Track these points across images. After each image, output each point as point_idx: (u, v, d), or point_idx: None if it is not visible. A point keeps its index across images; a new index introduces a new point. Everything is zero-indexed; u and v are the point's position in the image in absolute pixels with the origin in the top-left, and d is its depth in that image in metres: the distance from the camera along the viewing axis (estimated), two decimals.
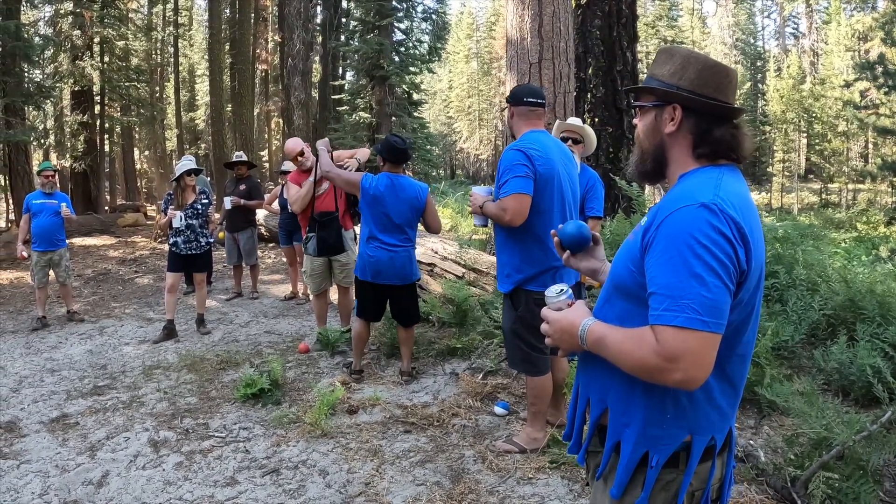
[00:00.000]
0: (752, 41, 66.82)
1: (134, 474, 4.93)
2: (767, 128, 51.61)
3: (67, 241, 10.09)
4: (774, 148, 49.77)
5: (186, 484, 4.74)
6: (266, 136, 43.33)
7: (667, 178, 2.14)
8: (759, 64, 63.27)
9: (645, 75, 2.18)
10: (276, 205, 10.92)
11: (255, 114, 35.65)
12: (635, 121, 2.19)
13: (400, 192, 6.26)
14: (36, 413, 6.28)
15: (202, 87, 45.36)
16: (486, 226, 4.97)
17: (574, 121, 6.16)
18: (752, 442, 4.60)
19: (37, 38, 22.08)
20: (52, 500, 4.61)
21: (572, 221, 2.61)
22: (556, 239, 2.62)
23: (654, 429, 2.01)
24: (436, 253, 9.53)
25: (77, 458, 5.25)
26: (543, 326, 2.19)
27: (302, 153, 7.84)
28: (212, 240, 9.04)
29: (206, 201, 8.78)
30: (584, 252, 2.60)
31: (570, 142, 5.75)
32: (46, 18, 26.54)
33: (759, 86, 57.97)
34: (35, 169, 18.80)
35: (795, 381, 5.38)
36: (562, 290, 2.22)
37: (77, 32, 23.60)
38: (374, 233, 6.29)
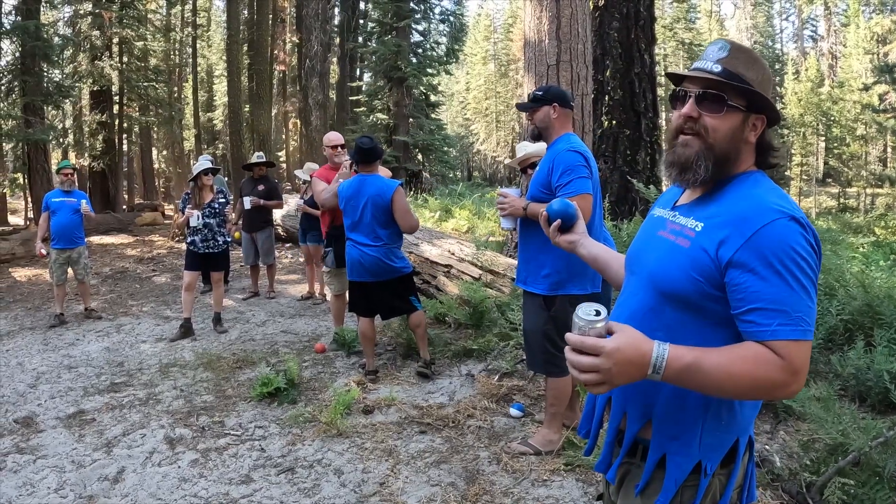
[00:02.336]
0: (771, 44, 66.58)
1: (150, 471, 4.95)
2: (785, 131, 51.35)
3: (86, 240, 10.14)
4: (792, 151, 49.57)
5: (202, 481, 4.76)
6: (283, 136, 43.45)
7: (711, 180, 2.03)
8: (777, 67, 63.01)
9: (717, 65, 1.99)
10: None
11: (273, 114, 35.80)
12: (706, 118, 1.99)
13: (365, 190, 6.42)
14: (53, 409, 6.32)
15: (220, 87, 45.56)
16: (514, 228, 4.91)
17: (534, 146, 6.05)
18: (767, 447, 4.58)
19: (56, 39, 22.19)
20: (68, 496, 4.63)
21: (558, 199, 2.64)
22: (543, 215, 2.61)
23: (709, 437, 1.98)
24: (452, 254, 9.53)
25: (93, 453, 5.28)
26: (588, 360, 1.75)
27: (343, 146, 7.88)
28: (229, 239, 9.06)
29: (223, 200, 8.82)
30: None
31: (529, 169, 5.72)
32: (66, 19, 26.76)
33: (778, 89, 57.68)
34: (54, 168, 18.95)
35: (812, 386, 5.35)
36: (598, 311, 1.80)
37: (96, 33, 23.81)
38: (347, 232, 6.58)
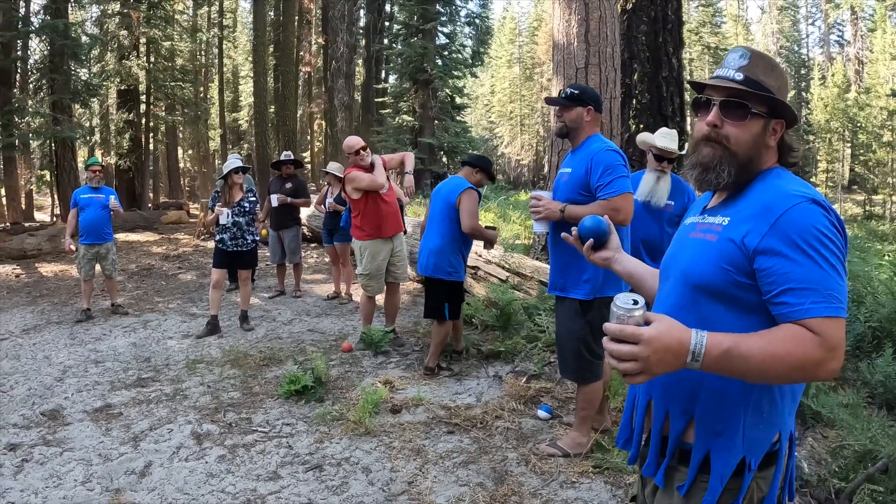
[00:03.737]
0: (797, 49, 66.08)
1: (177, 465, 4.98)
2: (811, 137, 51.04)
3: (113, 236, 10.23)
4: (818, 158, 49.23)
5: (229, 476, 4.77)
6: (309, 137, 43.59)
7: (734, 184, 2.07)
8: (803, 72, 62.59)
9: (738, 73, 2.03)
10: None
11: (299, 115, 35.95)
12: (728, 127, 2.03)
13: (442, 188, 6.70)
14: (80, 402, 6.37)
15: (246, 88, 45.82)
16: (547, 232, 4.85)
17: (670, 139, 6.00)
18: (796, 453, 4.55)
19: (84, 38, 22.43)
20: (95, 488, 4.66)
21: (589, 217, 2.60)
22: (574, 234, 2.60)
23: (751, 432, 1.98)
24: (479, 256, 9.54)
25: (120, 447, 5.32)
26: (627, 348, 1.74)
27: (365, 148, 7.75)
28: (258, 237, 9.10)
29: (253, 199, 8.87)
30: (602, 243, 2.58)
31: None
32: (93, 18, 26.98)
33: (803, 94, 57.29)
34: (81, 165, 19.10)
35: (840, 392, 5.32)
36: (636, 300, 1.80)
37: (124, 32, 24.05)
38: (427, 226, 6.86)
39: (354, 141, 7.76)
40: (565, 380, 6.04)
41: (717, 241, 1.99)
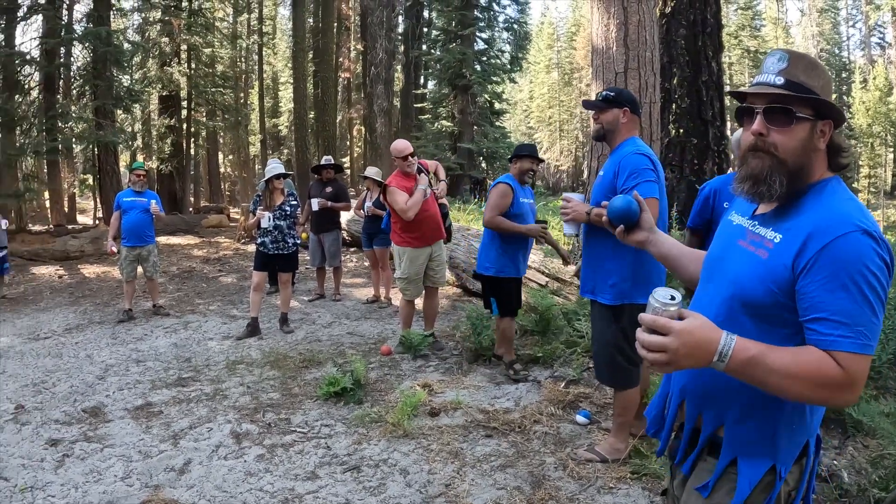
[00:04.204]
0: (837, 51, 65.17)
1: (216, 464, 5.04)
2: (853, 142, 50.35)
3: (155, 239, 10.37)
4: (860, 163, 48.59)
5: (267, 476, 4.82)
6: (348, 143, 43.80)
7: (786, 194, 2.02)
8: (844, 75, 61.68)
9: (778, 77, 1.98)
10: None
11: (338, 121, 36.10)
12: (775, 134, 1.98)
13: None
14: (121, 400, 6.49)
15: (285, 94, 46.17)
16: (577, 234, 4.84)
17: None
18: (835, 462, 4.50)
19: (126, 45, 22.75)
20: (134, 484, 4.74)
21: (618, 196, 2.56)
22: (605, 218, 2.58)
23: (782, 441, 2.00)
24: None
25: (160, 444, 5.41)
26: (658, 339, 1.82)
27: (413, 154, 7.71)
28: (298, 241, 9.17)
29: (294, 203, 8.95)
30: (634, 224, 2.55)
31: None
32: (135, 26, 27.36)
33: (845, 98, 56.51)
34: (122, 170, 19.37)
35: (881, 401, 5.26)
36: (673, 296, 1.86)
37: (165, 39, 24.46)
38: None
39: (403, 146, 7.71)
40: (603, 385, 6.03)
41: (768, 260, 1.96)
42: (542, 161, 6.94)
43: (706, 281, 2.24)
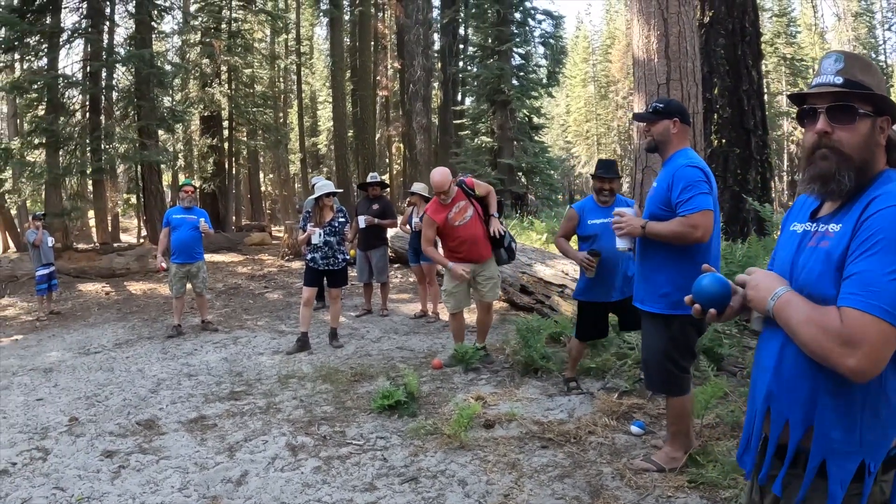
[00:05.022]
0: (874, 55, 64.07)
1: (273, 475, 5.09)
2: None
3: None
4: None
5: (325, 487, 4.86)
6: (388, 160, 44.01)
7: (854, 188, 2.05)
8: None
9: (837, 77, 2.04)
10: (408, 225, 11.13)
11: (377, 138, 36.31)
12: (839, 132, 2.03)
13: None
14: (174, 413, 6.59)
15: (324, 112, 46.50)
16: (631, 248, 4.83)
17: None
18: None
19: (168, 67, 23.16)
20: (192, 495, 4.81)
21: (707, 275, 2.28)
22: (695, 307, 2.29)
23: (869, 434, 1.98)
24: (566, 274, 9.57)
25: (216, 457, 5.48)
26: (742, 276, 2.21)
27: (450, 187, 7.62)
28: (348, 256, 9.26)
29: (343, 220, 9.05)
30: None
31: None
32: (176, 48, 27.76)
33: None
34: (167, 188, 19.63)
35: None
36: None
37: (206, 61, 24.80)
38: None
39: (439, 180, 7.52)
40: (656, 396, 6.02)
41: (830, 248, 2.01)
42: (612, 178, 6.46)
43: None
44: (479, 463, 5.12)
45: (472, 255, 7.64)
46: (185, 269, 10.16)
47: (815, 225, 2.17)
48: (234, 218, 32.80)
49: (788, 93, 12.25)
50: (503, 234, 7.57)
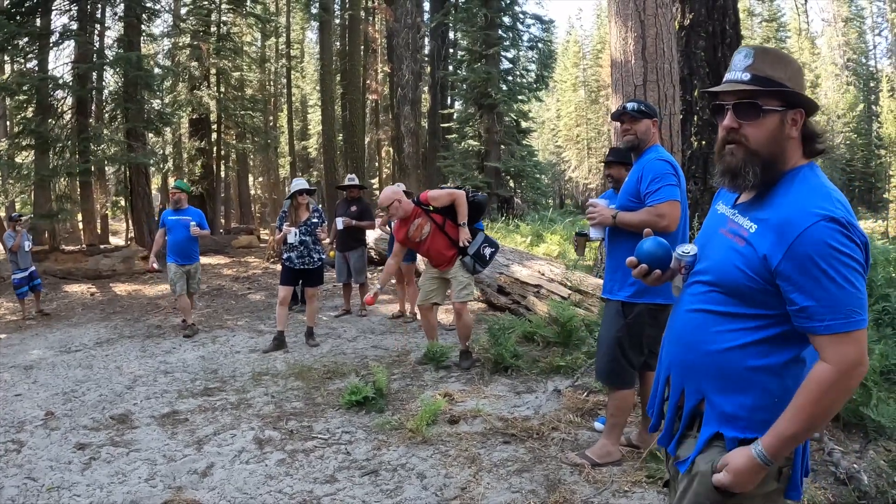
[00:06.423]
0: (864, 61, 64.11)
1: (238, 467, 5.16)
2: (882, 151, 49.80)
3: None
4: (890, 173, 47.76)
5: (287, 479, 4.93)
6: (377, 164, 44.04)
7: (762, 183, 2.14)
8: (871, 84, 60.75)
9: (745, 73, 2.10)
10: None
11: (366, 142, 36.36)
12: (746, 128, 2.11)
13: None
14: (148, 408, 6.65)
15: (314, 116, 46.53)
16: (603, 238, 4.96)
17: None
18: (855, 465, 4.51)
19: (156, 69, 23.17)
20: (158, 485, 4.88)
21: (649, 238, 2.45)
22: (641, 266, 2.42)
23: (763, 413, 2.08)
24: (542, 275, 9.62)
25: (184, 449, 5.55)
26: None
27: (392, 204, 7.69)
28: (324, 256, 9.30)
29: (316, 220, 9.09)
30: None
31: None
32: (165, 51, 27.78)
33: (873, 107, 55.74)
34: (155, 191, 19.64)
35: None
36: (689, 251, 2.33)
37: (195, 64, 24.79)
38: None
39: (384, 197, 7.84)
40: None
41: (744, 248, 2.08)
42: (610, 163, 6.44)
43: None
44: (439, 457, 5.17)
45: (439, 264, 7.74)
46: (184, 270, 10.19)
47: (733, 212, 2.24)
48: (222, 221, 32.83)
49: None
50: (468, 243, 7.58)
